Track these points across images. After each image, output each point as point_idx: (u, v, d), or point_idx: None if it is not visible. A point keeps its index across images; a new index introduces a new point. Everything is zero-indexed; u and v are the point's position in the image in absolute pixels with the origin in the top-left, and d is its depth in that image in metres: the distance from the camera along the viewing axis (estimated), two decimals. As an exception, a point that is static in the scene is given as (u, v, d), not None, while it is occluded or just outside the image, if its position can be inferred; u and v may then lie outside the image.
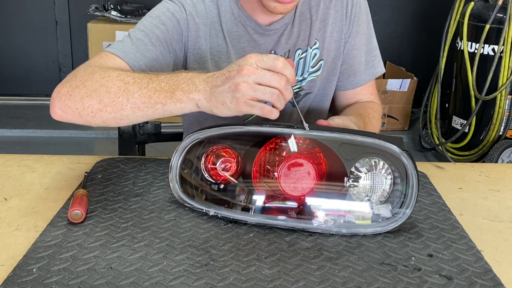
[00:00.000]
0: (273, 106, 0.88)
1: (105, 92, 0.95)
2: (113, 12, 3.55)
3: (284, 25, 1.20)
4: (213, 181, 0.95)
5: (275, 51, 1.18)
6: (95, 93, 0.95)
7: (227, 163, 0.93)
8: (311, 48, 1.23)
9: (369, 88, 1.32)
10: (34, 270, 0.77)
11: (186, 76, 0.93)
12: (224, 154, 0.94)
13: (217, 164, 0.93)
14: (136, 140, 1.55)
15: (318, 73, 1.24)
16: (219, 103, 0.88)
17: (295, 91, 1.24)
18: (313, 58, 1.24)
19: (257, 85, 0.85)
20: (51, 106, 0.99)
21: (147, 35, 1.10)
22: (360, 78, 1.29)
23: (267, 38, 1.20)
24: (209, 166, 0.95)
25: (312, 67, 1.24)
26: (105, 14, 3.54)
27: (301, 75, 1.23)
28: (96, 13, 3.58)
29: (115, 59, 1.05)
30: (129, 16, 3.55)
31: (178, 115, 0.97)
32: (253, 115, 1.24)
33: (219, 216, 0.92)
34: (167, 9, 1.14)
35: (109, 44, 1.14)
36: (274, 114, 0.88)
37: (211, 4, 1.18)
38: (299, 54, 1.23)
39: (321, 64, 1.24)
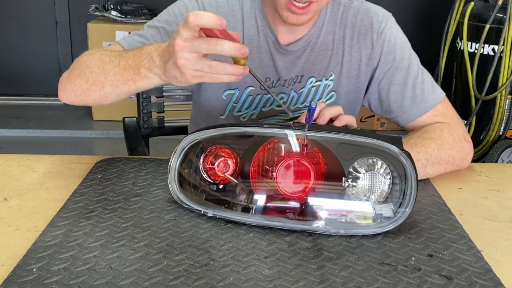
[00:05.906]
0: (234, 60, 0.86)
1: (89, 72, 1.02)
2: (113, 12, 3.54)
3: (302, 48, 1.21)
4: (212, 181, 0.95)
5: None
6: (83, 73, 1.04)
7: (226, 163, 0.93)
8: (326, 79, 1.23)
9: (430, 117, 1.24)
10: (34, 270, 0.77)
11: (147, 51, 0.94)
12: (222, 154, 0.94)
13: (216, 164, 0.93)
14: (141, 133, 1.57)
15: (330, 102, 1.25)
16: (172, 78, 0.89)
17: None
18: (326, 89, 1.24)
19: (195, 58, 0.84)
20: (58, 89, 1.10)
21: (158, 31, 1.15)
22: (409, 114, 1.24)
23: (283, 57, 1.21)
24: (207, 166, 0.95)
25: (324, 97, 1.25)
26: (105, 14, 3.54)
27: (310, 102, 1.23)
28: (96, 13, 3.58)
29: (119, 47, 1.12)
30: (129, 16, 3.54)
31: (151, 87, 1.01)
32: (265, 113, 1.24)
33: (217, 217, 0.92)
34: (185, 7, 1.17)
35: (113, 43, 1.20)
36: (225, 78, 0.86)
37: (237, 7, 1.19)
38: (312, 82, 1.23)
39: (332, 94, 1.25)
